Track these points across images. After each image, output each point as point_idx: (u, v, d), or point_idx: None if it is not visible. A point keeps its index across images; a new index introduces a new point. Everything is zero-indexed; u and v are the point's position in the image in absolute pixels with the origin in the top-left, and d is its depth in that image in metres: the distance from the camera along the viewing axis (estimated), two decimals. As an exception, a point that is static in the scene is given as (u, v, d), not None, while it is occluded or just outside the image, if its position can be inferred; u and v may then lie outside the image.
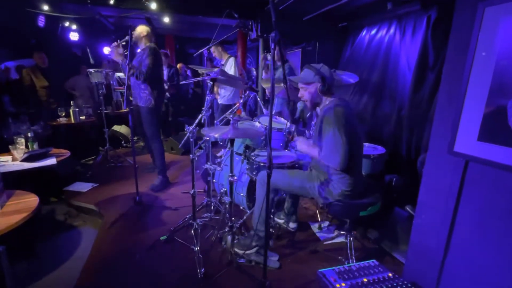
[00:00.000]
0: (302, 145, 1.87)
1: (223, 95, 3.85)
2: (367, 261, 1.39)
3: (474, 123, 1.09)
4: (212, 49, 3.62)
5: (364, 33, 3.54)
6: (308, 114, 2.94)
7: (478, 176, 1.12)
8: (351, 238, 1.97)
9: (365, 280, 1.23)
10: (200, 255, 1.92)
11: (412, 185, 2.50)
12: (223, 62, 3.75)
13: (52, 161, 2.36)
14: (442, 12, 2.47)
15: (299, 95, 1.83)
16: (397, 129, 2.92)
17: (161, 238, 2.20)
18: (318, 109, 2.09)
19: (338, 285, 1.19)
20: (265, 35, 3.37)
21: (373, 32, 3.36)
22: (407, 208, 2.38)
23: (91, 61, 4.90)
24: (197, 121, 1.95)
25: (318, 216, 2.64)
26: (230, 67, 3.61)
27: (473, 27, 1.09)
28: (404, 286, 1.19)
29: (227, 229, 2.08)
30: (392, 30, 3.07)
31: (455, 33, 1.21)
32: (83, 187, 3.20)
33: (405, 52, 2.88)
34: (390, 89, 3.02)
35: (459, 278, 1.23)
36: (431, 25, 2.56)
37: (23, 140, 2.43)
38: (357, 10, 3.50)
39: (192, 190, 2.05)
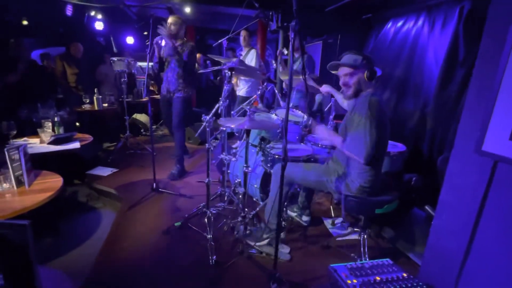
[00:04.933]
0: (323, 131, 1.82)
1: (242, 87, 3.85)
2: (381, 260, 1.35)
3: (506, 121, 1.02)
4: (243, 32, 3.63)
5: (389, 25, 3.38)
6: (327, 108, 2.88)
7: (507, 177, 1.05)
8: (365, 236, 1.93)
9: (377, 278, 1.20)
10: (212, 243, 1.96)
11: (432, 186, 2.40)
12: (243, 53, 3.74)
13: (76, 145, 2.47)
14: (476, 3, 2.31)
15: (341, 82, 1.77)
16: (419, 126, 2.80)
17: (176, 224, 2.26)
18: (345, 105, 2.04)
19: (349, 281, 1.17)
20: (285, 24, 3.31)
21: (399, 24, 3.21)
22: (427, 208, 2.29)
23: (115, 49, 5.03)
24: (214, 110, 1.96)
25: (332, 212, 2.60)
26: (252, 59, 3.59)
27: (510, 19, 1.01)
28: (419, 287, 1.15)
29: (239, 219, 2.10)
30: (420, 22, 2.92)
31: (490, 24, 1.12)
32: (104, 171, 3.33)
33: (433, 45, 2.73)
34: (415, 85, 2.89)
35: (479, 283, 1.18)
36: (463, 17, 2.41)
37: (50, 124, 2.56)
38: (383, 1, 3.35)
39: (207, 179, 2.08)
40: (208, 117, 1.91)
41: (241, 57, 3.68)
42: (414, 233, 2.24)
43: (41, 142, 2.45)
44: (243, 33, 3.67)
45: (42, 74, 4.22)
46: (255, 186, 2.48)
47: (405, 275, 1.24)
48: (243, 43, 3.76)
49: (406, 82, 2.98)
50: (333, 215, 2.57)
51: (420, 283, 1.17)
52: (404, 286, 1.16)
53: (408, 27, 3.08)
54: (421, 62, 2.83)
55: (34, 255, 0.84)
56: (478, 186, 1.15)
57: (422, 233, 2.18)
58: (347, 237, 2.23)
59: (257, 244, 1.98)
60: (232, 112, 2.65)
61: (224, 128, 2.33)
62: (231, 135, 4.43)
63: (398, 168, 2.39)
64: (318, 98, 2.96)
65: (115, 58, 3.94)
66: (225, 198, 2.58)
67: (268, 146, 2.36)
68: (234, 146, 3.43)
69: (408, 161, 2.50)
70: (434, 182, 2.38)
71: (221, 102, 2.05)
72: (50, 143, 2.41)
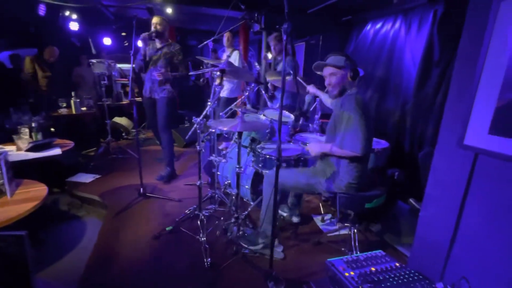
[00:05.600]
0: (315, 148, 1.88)
1: (225, 88, 3.85)
2: (374, 251, 1.41)
3: (485, 117, 1.11)
4: (226, 34, 3.63)
5: (368, 27, 3.52)
6: (312, 108, 2.94)
7: (487, 169, 1.14)
8: (355, 230, 2.00)
9: (373, 269, 1.26)
10: (206, 245, 1.95)
11: (414, 179, 2.54)
12: (225, 54, 3.74)
13: (57, 151, 2.36)
14: (449, 6, 2.47)
15: (326, 82, 1.83)
16: (400, 123, 2.94)
17: (167, 228, 2.22)
18: (328, 103, 2.10)
19: (347, 274, 1.21)
20: (277, 26, 3.35)
21: (378, 26, 3.35)
22: (411, 201, 2.42)
23: (93, 51, 4.84)
24: (204, 113, 1.95)
25: (321, 209, 2.67)
26: (235, 60, 3.60)
27: (487, 21, 1.10)
28: (412, 275, 1.21)
29: (232, 220, 2.10)
30: (397, 25, 3.06)
31: (468, 27, 1.21)
32: (85, 178, 3.19)
33: (410, 47, 2.88)
34: (395, 84, 3.03)
35: (464, 269, 1.27)
36: (437, 20, 2.56)
37: (27, 130, 2.42)
38: (362, 3, 3.48)
39: (199, 182, 2.06)
40: (198, 119, 1.90)
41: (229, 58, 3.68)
42: (399, 225, 2.36)
43: (18, 149, 2.31)
44: (226, 34, 3.69)
45: (11, 77, 3.98)
46: (246, 187, 2.49)
47: (397, 264, 1.30)
48: (226, 43, 3.77)
49: (387, 82, 3.11)
50: (322, 212, 2.63)
51: (413, 271, 1.24)
52: (398, 274, 1.22)
53: (386, 29, 3.22)
54: (400, 62, 2.97)
55: (32, 266, 0.81)
56: (461, 178, 1.24)
57: (407, 225, 2.30)
58: (337, 233, 2.30)
59: (252, 248, 1.99)
60: (220, 114, 2.64)
61: (214, 130, 2.32)
62: (218, 136, 4.40)
63: (382, 163, 2.50)
64: (307, 98, 3.02)
65: (94, 60, 3.80)
66: (216, 200, 2.57)
67: (258, 146, 2.38)
68: (220, 147, 3.42)
69: (391, 156, 2.62)
70: (416, 175, 2.51)
71: (211, 104, 2.04)
72: (28, 150, 2.28)
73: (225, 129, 1.78)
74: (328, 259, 1.34)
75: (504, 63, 1.04)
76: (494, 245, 1.15)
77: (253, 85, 2.66)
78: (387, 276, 1.20)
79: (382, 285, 1.15)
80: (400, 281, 1.18)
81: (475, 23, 1.17)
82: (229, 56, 3.46)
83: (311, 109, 3.05)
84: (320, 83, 3.37)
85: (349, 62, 1.75)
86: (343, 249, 2.07)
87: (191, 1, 3.93)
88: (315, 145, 1.91)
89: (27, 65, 3.93)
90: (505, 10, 1.05)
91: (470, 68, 1.17)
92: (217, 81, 1.95)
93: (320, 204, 2.72)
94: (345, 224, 2.29)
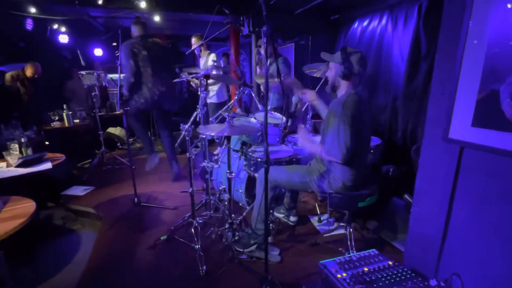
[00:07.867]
0: (304, 141, 1.85)
1: (210, 95, 3.87)
2: (367, 251, 1.40)
3: (467, 109, 1.10)
4: (195, 42, 3.65)
5: (356, 25, 3.53)
6: (304, 108, 2.93)
7: (473, 161, 1.13)
8: (351, 230, 1.98)
9: (365, 269, 1.24)
10: (201, 253, 1.93)
11: (408, 175, 2.52)
12: (202, 61, 3.78)
13: (47, 165, 2.34)
14: (433, 0, 2.47)
15: (327, 74, 1.81)
16: (392, 119, 2.93)
17: (162, 237, 2.19)
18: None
19: (339, 275, 1.20)
20: (256, 29, 3.34)
21: (365, 23, 3.36)
22: (406, 197, 2.40)
23: (82, 63, 4.83)
24: (192, 119, 1.94)
25: (317, 209, 2.65)
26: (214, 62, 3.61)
27: (463, 14, 1.09)
28: (404, 273, 1.20)
29: (227, 226, 2.09)
30: (384, 21, 3.07)
31: (446, 20, 1.21)
32: (80, 190, 3.17)
33: (397, 42, 2.88)
34: (384, 80, 3.03)
35: (457, 263, 1.25)
36: (422, 14, 2.56)
37: (17, 146, 2.40)
38: (349, 1, 3.49)
39: (190, 189, 2.05)
40: (186, 126, 1.89)
41: (202, 66, 3.72)
42: (395, 222, 2.34)
43: (8, 165, 2.29)
44: (195, 43, 3.71)
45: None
46: (240, 191, 2.47)
47: (390, 263, 1.29)
48: (201, 53, 3.80)
49: (377, 78, 3.11)
50: (318, 212, 2.62)
51: (405, 269, 1.23)
52: (390, 273, 1.21)
53: (373, 26, 3.23)
54: (388, 58, 2.97)
55: (9, 285, 0.78)
56: (448, 172, 1.23)
57: (403, 221, 2.28)
58: (333, 233, 2.28)
59: (246, 250, 1.97)
60: (210, 119, 2.63)
61: (204, 136, 2.31)
62: (211, 142, 4.39)
63: (375, 160, 2.49)
64: (294, 99, 3.01)
65: (83, 72, 3.79)
66: (211, 206, 2.55)
67: (249, 150, 2.37)
68: (215, 152, 3.40)
69: (384, 153, 2.61)
70: (410, 171, 2.50)
71: (199, 110, 2.03)
72: (18, 166, 2.26)
73: (213, 134, 1.77)
74: (321, 261, 1.33)
75: (482, 55, 1.03)
76: (483, 239, 1.13)
77: (243, 88, 2.65)
78: (380, 276, 1.19)
79: (374, 285, 1.13)
80: (392, 280, 1.16)
81: (452, 16, 1.16)
82: (214, 61, 3.43)
83: (302, 109, 3.04)
84: (311, 83, 3.37)
85: (344, 59, 1.65)
86: (340, 249, 2.05)
87: (176, 8, 3.94)
88: (305, 140, 1.84)
89: (8, 81, 3.85)
90: (481, 2, 1.04)
91: (450, 61, 1.16)
92: (204, 88, 1.94)
93: (316, 205, 2.70)
94: (341, 224, 2.27)
